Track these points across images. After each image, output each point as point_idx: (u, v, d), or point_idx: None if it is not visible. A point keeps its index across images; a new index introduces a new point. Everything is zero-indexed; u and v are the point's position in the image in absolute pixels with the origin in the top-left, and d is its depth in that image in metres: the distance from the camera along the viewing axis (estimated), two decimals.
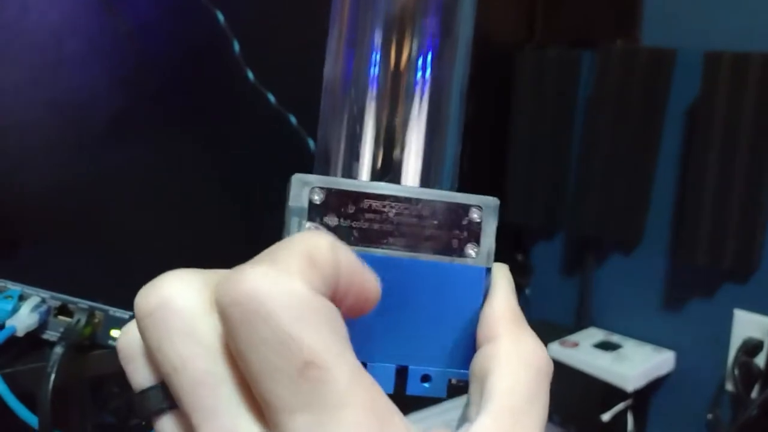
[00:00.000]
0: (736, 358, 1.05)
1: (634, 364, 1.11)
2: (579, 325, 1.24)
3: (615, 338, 1.19)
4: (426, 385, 0.23)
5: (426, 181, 0.24)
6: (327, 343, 0.16)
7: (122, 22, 0.86)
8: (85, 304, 0.56)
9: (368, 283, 0.19)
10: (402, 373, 0.22)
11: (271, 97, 0.91)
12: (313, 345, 0.15)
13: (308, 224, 0.22)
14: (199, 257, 0.91)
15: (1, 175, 0.77)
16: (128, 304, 0.59)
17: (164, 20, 0.89)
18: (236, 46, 0.88)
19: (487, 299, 0.22)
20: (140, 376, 0.19)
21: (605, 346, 1.16)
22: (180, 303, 0.18)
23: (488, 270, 0.23)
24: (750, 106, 0.99)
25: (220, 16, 0.87)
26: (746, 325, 1.06)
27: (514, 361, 0.20)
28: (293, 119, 0.92)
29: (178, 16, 0.90)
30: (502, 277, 0.23)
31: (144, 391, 0.19)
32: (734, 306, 1.07)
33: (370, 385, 0.16)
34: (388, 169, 0.24)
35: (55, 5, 0.81)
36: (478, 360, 0.21)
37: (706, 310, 1.10)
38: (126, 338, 0.19)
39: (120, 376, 0.64)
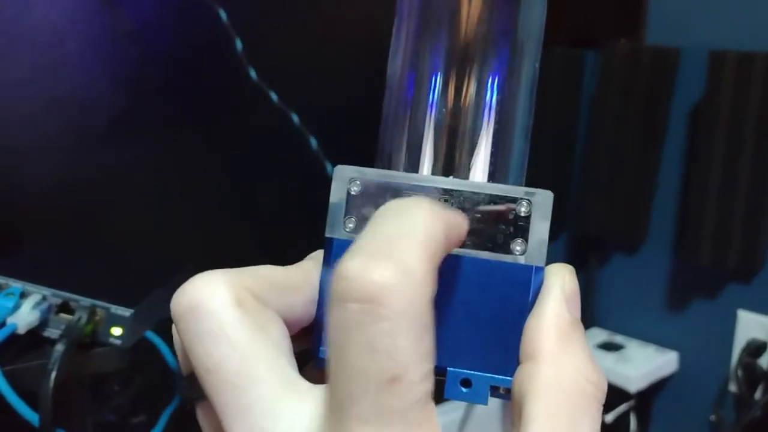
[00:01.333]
0: (740, 359, 1.04)
1: (637, 365, 1.10)
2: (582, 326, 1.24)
3: (618, 339, 1.18)
4: (465, 390, 0.21)
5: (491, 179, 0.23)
6: (421, 360, 0.16)
7: (124, 20, 0.86)
8: (86, 301, 0.56)
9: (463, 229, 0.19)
10: (440, 375, 0.21)
11: (273, 96, 0.91)
12: (409, 360, 0.15)
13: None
14: (200, 255, 0.92)
15: (2, 173, 0.77)
16: (130, 301, 0.58)
17: (166, 19, 0.89)
18: (239, 45, 0.88)
19: (535, 307, 0.20)
20: (183, 366, 0.19)
21: (608, 346, 1.16)
22: (210, 306, 0.17)
23: (539, 269, 0.21)
24: (754, 106, 0.99)
25: (223, 14, 0.87)
26: (750, 325, 1.06)
27: (554, 387, 0.19)
28: (295, 118, 0.92)
29: (181, 14, 0.89)
30: (556, 282, 0.21)
31: (188, 377, 0.19)
32: (738, 307, 1.06)
33: (432, 408, 0.16)
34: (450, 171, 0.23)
35: (56, 4, 0.81)
36: (517, 379, 0.20)
37: (710, 311, 1.10)
38: (173, 331, 0.19)
39: (121, 374, 0.64)
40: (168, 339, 0.75)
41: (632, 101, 1.12)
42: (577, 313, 0.20)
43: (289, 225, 1.03)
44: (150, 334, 0.77)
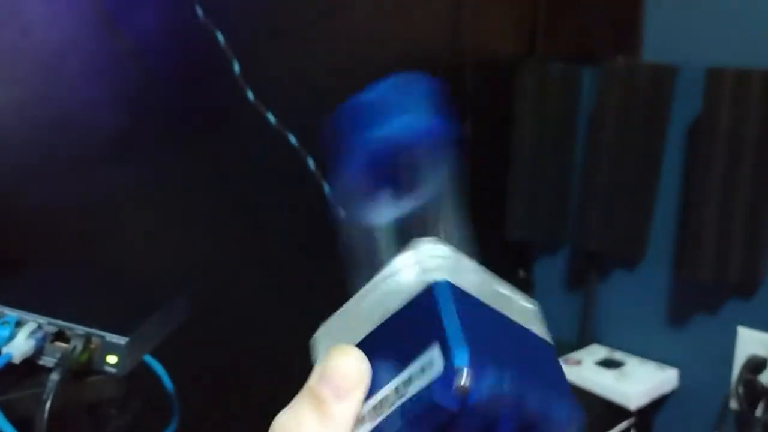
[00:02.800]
0: (740, 375, 1.04)
1: (637, 382, 1.10)
2: (581, 342, 1.24)
3: (618, 355, 1.18)
4: None
5: None
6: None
7: (123, 42, 0.87)
8: (81, 330, 0.56)
9: None
10: None
11: (271, 117, 0.91)
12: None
13: None
14: (199, 280, 0.92)
15: (6, 192, 0.77)
16: (125, 329, 0.58)
17: (165, 41, 0.89)
18: (236, 67, 0.89)
19: None
20: None
21: (608, 363, 1.15)
22: None
23: None
24: (753, 122, 0.99)
25: (220, 37, 0.87)
26: (750, 342, 1.05)
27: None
28: (293, 138, 0.92)
29: (179, 36, 0.90)
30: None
31: None
32: (738, 323, 1.06)
33: None
34: None
35: (56, 25, 0.82)
36: None
37: (710, 327, 1.10)
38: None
39: (118, 398, 0.63)
40: (164, 362, 0.75)
41: (630, 118, 1.13)
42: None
43: (287, 245, 1.03)
44: (147, 358, 0.77)
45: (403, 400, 0.22)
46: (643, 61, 1.13)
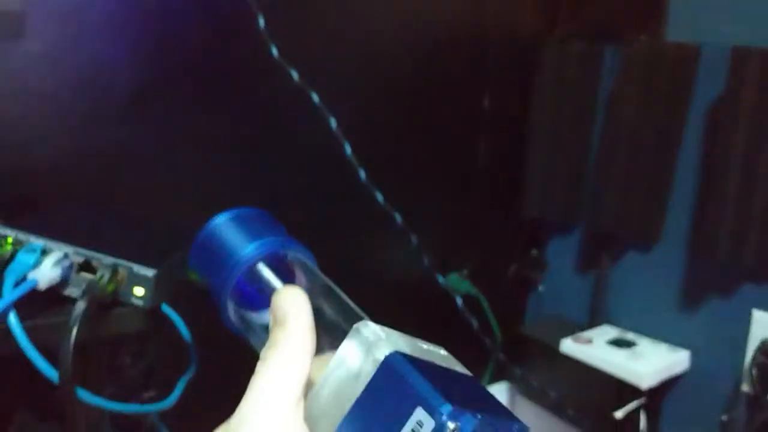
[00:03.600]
0: (754, 358, 1.03)
1: (649, 361, 1.09)
2: (593, 323, 1.23)
3: (629, 336, 1.17)
4: None
5: None
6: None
7: None
8: (109, 260, 0.55)
9: None
10: None
11: (295, 74, 0.90)
12: None
13: None
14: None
15: (32, 135, 0.76)
16: (153, 261, 0.57)
17: None
18: (261, 21, 0.88)
19: None
20: None
21: (619, 343, 1.15)
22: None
23: None
24: None
25: None
26: (764, 325, 1.05)
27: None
28: (315, 97, 0.91)
29: None
30: None
31: None
32: (752, 306, 1.05)
33: None
34: None
35: None
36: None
37: (724, 310, 1.09)
38: None
39: (134, 345, 0.62)
40: (183, 311, 0.74)
41: (651, 97, 1.12)
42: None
43: (304, 202, 1.02)
44: (165, 307, 0.76)
45: None
46: (666, 40, 1.13)
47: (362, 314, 0.35)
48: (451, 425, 0.26)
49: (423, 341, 0.32)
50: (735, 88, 1.01)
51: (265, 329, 0.34)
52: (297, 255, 0.38)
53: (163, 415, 0.82)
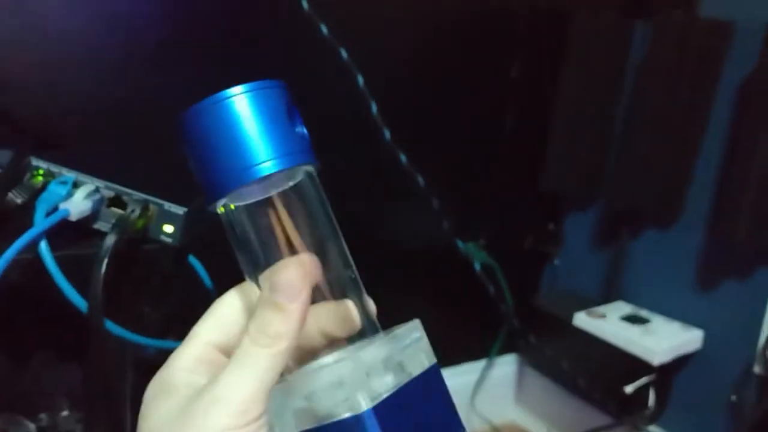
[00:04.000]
0: (767, 340, 1.03)
1: (662, 338, 1.09)
2: (607, 298, 1.23)
3: (643, 313, 1.17)
4: None
5: None
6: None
7: None
8: (139, 196, 0.55)
9: None
10: None
11: (324, 28, 0.89)
12: None
13: None
14: None
15: (61, 79, 0.76)
16: (183, 200, 0.57)
17: None
18: None
19: None
20: None
21: (633, 319, 1.15)
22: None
23: None
24: None
25: None
26: None
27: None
28: (344, 53, 0.90)
29: None
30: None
31: None
32: None
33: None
34: None
35: None
36: None
37: (740, 292, 1.08)
38: None
39: (161, 287, 0.62)
40: (205, 260, 0.74)
41: (681, 74, 1.10)
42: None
43: (327, 158, 1.01)
44: (192, 259, 0.76)
45: None
46: (699, 15, 1.11)
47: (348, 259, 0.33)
48: None
49: (395, 337, 0.32)
50: (766, 65, 1.00)
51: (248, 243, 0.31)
52: (311, 174, 0.33)
53: None
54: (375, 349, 0.31)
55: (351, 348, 0.33)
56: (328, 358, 0.32)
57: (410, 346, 0.32)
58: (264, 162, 0.29)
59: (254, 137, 0.29)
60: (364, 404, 0.28)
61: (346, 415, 0.29)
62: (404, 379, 0.31)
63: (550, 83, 1.23)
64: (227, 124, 0.29)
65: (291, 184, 0.31)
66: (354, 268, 0.33)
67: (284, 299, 0.28)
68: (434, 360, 0.33)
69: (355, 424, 0.29)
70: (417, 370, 0.32)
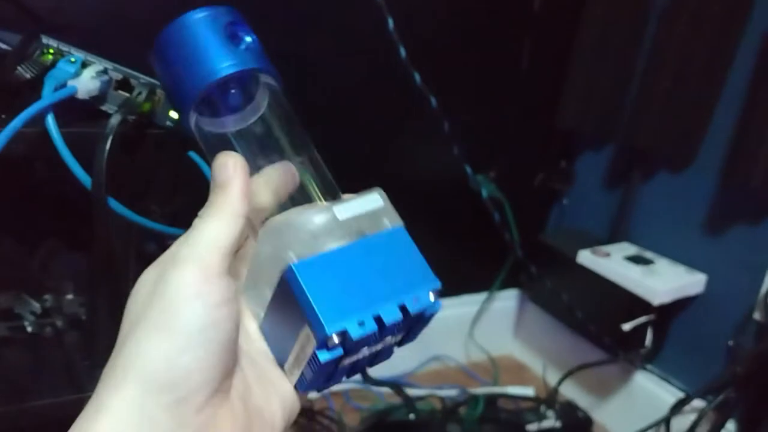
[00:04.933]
0: None
1: (664, 279, 1.09)
2: (613, 239, 1.23)
3: (648, 254, 1.17)
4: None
5: None
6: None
7: None
8: (147, 80, 0.55)
9: None
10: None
11: None
12: None
13: None
14: None
15: None
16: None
17: None
18: None
19: None
20: None
21: (637, 259, 1.15)
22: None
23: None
24: None
25: None
26: None
27: None
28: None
29: None
30: None
31: None
32: None
33: None
34: None
35: None
36: None
37: (747, 238, 1.08)
38: None
39: (166, 187, 0.63)
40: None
41: (706, 16, 1.07)
42: None
43: (341, 73, 1.00)
44: (192, 154, 0.77)
45: (305, 360, 0.31)
46: None
47: (308, 141, 0.37)
48: (330, 341, 0.30)
49: (351, 201, 0.33)
50: None
51: (218, 142, 0.36)
52: (269, 79, 0.37)
53: None
54: (321, 210, 0.32)
55: (299, 208, 0.34)
56: (277, 216, 0.34)
57: (370, 211, 0.33)
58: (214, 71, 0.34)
59: (202, 53, 0.34)
60: (291, 259, 0.31)
61: (280, 269, 0.31)
62: (353, 239, 0.32)
63: (573, 19, 1.21)
64: (182, 45, 0.34)
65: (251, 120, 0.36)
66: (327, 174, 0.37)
67: (220, 177, 0.33)
68: (399, 223, 0.33)
69: (287, 280, 0.31)
70: (373, 230, 0.33)
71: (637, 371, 1.19)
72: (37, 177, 0.67)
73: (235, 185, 0.32)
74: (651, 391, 1.17)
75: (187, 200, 0.81)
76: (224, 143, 0.35)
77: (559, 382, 1.24)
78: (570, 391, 1.27)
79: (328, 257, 0.31)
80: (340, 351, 0.30)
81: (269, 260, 0.31)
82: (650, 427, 1.10)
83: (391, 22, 0.90)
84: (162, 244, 0.83)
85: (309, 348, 0.30)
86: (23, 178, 0.67)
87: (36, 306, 0.67)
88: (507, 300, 1.38)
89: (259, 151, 0.36)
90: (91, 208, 0.53)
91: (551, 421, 1.15)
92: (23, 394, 0.60)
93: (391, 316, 0.31)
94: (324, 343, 0.30)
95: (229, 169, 0.33)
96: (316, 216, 0.32)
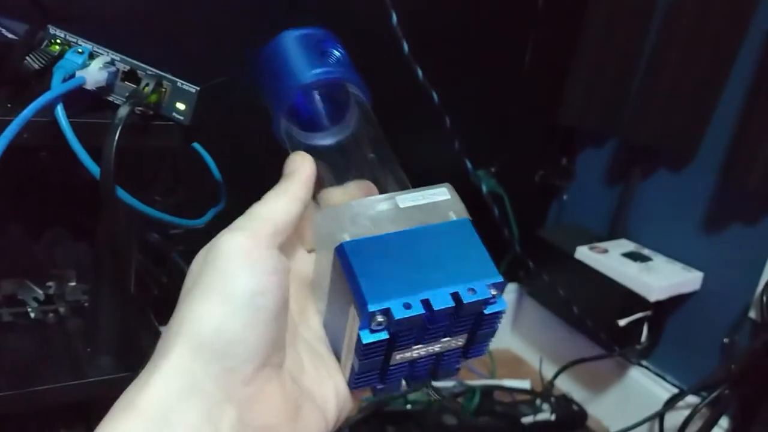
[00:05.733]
0: (767, 285, 1.04)
1: (661, 276, 1.10)
2: (611, 235, 1.24)
3: (646, 252, 1.18)
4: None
5: None
6: None
7: None
8: (154, 71, 0.56)
9: None
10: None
11: None
12: None
13: None
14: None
15: None
16: (197, 80, 0.58)
17: None
18: None
19: None
20: None
21: (635, 256, 1.16)
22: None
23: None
24: None
25: None
26: None
27: None
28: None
29: None
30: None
31: None
32: None
33: None
34: None
35: None
36: None
37: (745, 237, 1.09)
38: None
39: (170, 177, 0.64)
40: (214, 152, 0.75)
41: (711, 13, 1.07)
42: None
43: None
44: (197, 146, 0.77)
45: (353, 348, 0.30)
46: None
47: (401, 174, 0.37)
48: (375, 321, 0.29)
49: (415, 193, 0.33)
50: None
51: (306, 152, 0.36)
52: (357, 92, 0.38)
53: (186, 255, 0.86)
54: (383, 197, 0.32)
55: (373, 196, 0.34)
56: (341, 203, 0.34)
57: (435, 202, 0.33)
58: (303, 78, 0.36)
59: (297, 63, 0.36)
60: (343, 237, 0.30)
61: (334, 245, 0.31)
62: (410, 225, 0.32)
63: (577, 16, 1.21)
64: (276, 59, 0.37)
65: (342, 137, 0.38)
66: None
67: (287, 169, 0.35)
68: (465, 216, 0.33)
69: (338, 258, 0.30)
70: (436, 221, 0.32)
71: (633, 367, 1.21)
72: (42, 165, 0.68)
73: (299, 173, 0.34)
74: (645, 386, 1.19)
75: (190, 190, 0.82)
76: (313, 155, 0.36)
77: (555, 376, 1.26)
78: (565, 385, 1.28)
79: (382, 239, 0.31)
80: (384, 334, 0.29)
81: (327, 245, 0.31)
82: (644, 421, 1.11)
83: (395, 17, 0.90)
84: (164, 233, 0.84)
85: (355, 331, 0.29)
86: (29, 166, 0.68)
87: (39, 293, 0.68)
88: (505, 294, 1.38)
89: (344, 166, 0.37)
90: (99, 198, 0.54)
91: (546, 414, 1.16)
92: (26, 380, 0.61)
93: (441, 301, 0.29)
94: (367, 322, 0.29)
95: (297, 162, 0.35)
96: (377, 202, 0.32)
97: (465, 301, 0.30)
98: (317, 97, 0.37)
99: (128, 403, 0.28)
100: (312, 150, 0.36)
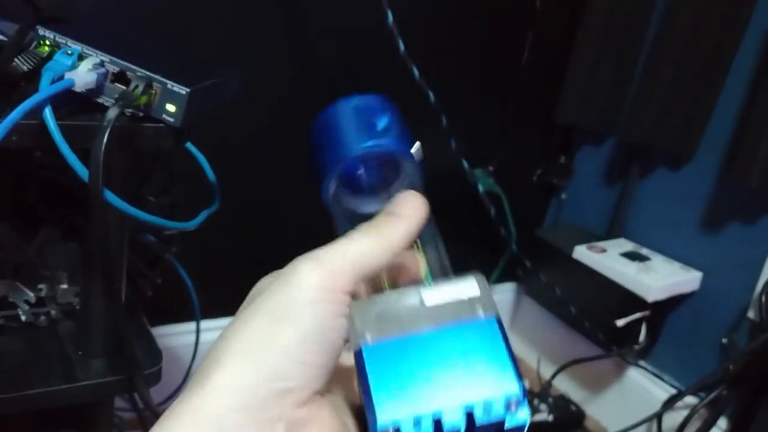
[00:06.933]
0: (766, 286, 1.03)
1: (659, 276, 1.10)
2: (610, 235, 1.23)
3: (644, 251, 1.17)
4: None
5: None
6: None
7: None
8: (144, 73, 0.55)
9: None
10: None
11: None
12: None
13: None
14: (254, 58, 0.89)
15: None
16: (187, 82, 0.57)
17: None
18: None
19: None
20: None
21: (633, 256, 1.15)
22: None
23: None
24: None
25: None
26: None
27: None
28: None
29: None
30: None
31: None
32: None
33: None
34: None
35: None
36: None
37: (744, 237, 1.08)
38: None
39: (163, 176, 0.63)
40: (208, 153, 0.75)
41: (709, 11, 1.07)
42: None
43: (339, 63, 1.00)
44: (190, 146, 0.77)
45: None
46: None
47: (447, 263, 0.36)
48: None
49: (446, 285, 0.32)
50: None
51: (349, 217, 0.37)
52: (411, 168, 0.39)
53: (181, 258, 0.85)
54: (409, 293, 0.31)
55: (401, 288, 0.33)
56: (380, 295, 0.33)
57: (463, 299, 0.32)
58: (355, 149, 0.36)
59: (350, 132, 0.37)
60: (365, 340, 0.30)
61: (355, 348, 0.31)
62: (438, 326, 0.31)
63: (576, 14, 1.20)
64: (333, 124, 0.38)
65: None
66: (448, 266, 0.37)
67: (400, 210, 0.33)
68: (493, 313, 0.31)
69: (356, 361, 0.30)
70: (462, 319, 0.31)
71: (631, 367, 1.20)
72: (32, 167, 0.67)
73: (407, 223, 0.32)
74: (644, 386, 1.18)
75: (182, 192, 0.81)
76: (358, 221, 0.35)
77: (553, 376, 1.25)
78: (563, 385, 1.28)
79: (402, 344, 0.30)
80: None
81: (353, 338, 0.31)
82: (642, 422, 1.11)
83: (390, 16, 0.89)
84: (157, 235, 0.84)
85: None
86: (19, 168, 0.67)
87: (30, 295, 0.67)
88: (503, 293, 1.38)
89: None
90: (88, 200, 0.53)
91: (544, 414, 1.16)
92: (16, 383, 0.60)
93: (453, 422, 0.29)
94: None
95: (413, 207, 0.33)
96: (402, 299, 0.31)
97: (477, 423, 0.29)
98: (367, 166, 0.38)
99: (185, 406, 0.28)
100: (359, 216, 0.36)
